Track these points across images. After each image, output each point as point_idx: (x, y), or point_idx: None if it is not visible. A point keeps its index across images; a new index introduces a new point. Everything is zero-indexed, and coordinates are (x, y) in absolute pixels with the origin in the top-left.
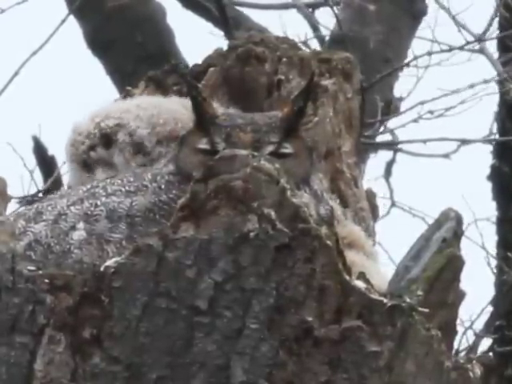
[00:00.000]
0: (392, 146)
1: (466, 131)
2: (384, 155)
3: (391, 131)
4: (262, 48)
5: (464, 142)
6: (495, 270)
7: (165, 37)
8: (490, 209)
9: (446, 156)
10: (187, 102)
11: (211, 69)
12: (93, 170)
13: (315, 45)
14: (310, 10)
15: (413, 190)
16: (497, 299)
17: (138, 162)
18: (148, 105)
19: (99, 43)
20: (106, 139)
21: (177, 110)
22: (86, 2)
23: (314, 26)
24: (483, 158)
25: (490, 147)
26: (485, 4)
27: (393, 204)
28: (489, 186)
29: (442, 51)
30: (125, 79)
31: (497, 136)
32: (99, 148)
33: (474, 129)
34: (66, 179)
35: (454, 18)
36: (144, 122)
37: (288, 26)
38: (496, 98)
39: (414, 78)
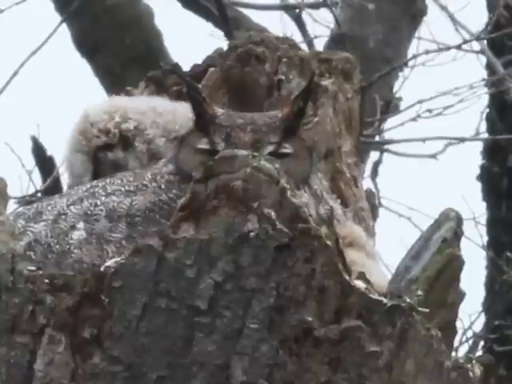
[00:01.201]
0: (379, 145)
1: (453, 130)
2: (371, 155)
3: (380, 133)
4: (262, 48)
5: (458, 140)
6: (487, 270)
7: (153, 38)
8: (480, 209)
9: (433, 156)
10: None
11: (211, 69)
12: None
13: (304, 48)
14: (297, 10)
15: (399, 190)
16: (488, 299)
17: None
18: (163, 110)
19: (87, 45)
20: (125, 142)
21: (188, 115)
22: (73, 4)
23: (303, 29)
24: (472, 158)
25: (480, 147)
26: (479, 4)
27: (379, 204)
28: (478, 186)
29: (440, 50)
30: (113, 81)
31: (485, 135)
32: (117, 150)
33: (461, 128)
34: (64, 179)
35: (451, 16)
36: (160, 129)
37: (285, 27)
38: (484, 98)
39: (414, 78)
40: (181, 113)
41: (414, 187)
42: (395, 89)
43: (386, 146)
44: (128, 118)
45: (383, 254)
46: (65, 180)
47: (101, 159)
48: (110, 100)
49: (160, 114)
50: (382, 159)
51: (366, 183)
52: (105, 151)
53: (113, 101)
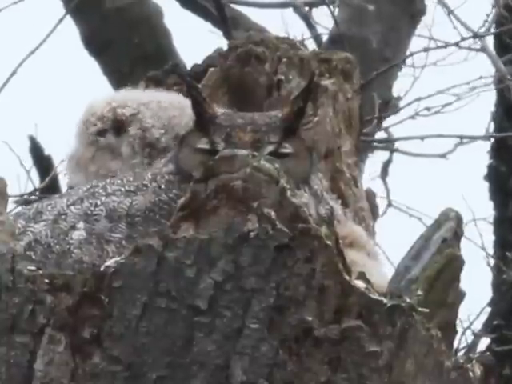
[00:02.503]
0: (388, 143)
1: (464, 130)
2: (381, 155)
3: (386, 129)
4: (261, 48)
5: (462, 138)
6: (494, 270)
7: (162, 37)
8: (487, 208)
9: (443, 156)
10: None
11: (211, 69)
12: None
13: (312, 45)
14: (307, 8)
15: (409, 190)
16: (495, 299)
17: (145, 153)
18: (169, 104)
19: (96, 44)
20: (118, 126)
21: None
22: (82, 2)
23: (311, 26)
24: (480, 157)
25: (488, 147)
26: (481, 1)
27: (389, 204)
28: (486, 185)
29: (438, 47)
30: (122, 80)
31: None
32: (109, 134)
33: (471, 128)
34: (62, 179)
35: (452, 13)
36: (161, 122)
37: (286, 25)
38: (493, 97)
39: (412, 78)
40: (189, 112)
41: (423, 186)
42: (405, 89)
43: (395, 147)
44: (126, 105)
45: (393, 254)
46: (63, 179)
47: (95, 145)
48: (116, 92)
49: (165, 108)
50: (392, 159)
51: (377, 183)
52: (98, 137)
53: (118, 93)
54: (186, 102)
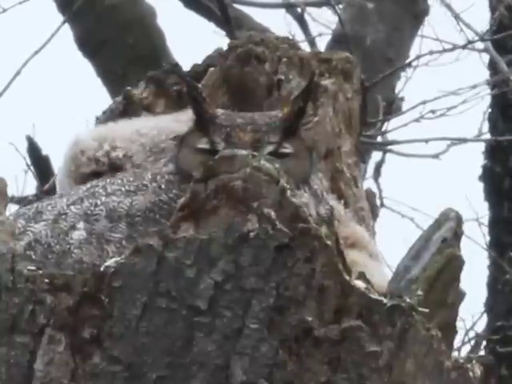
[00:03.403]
0: (381, 146)
1: (455, 130)
2: (373, 156)
3: (382, 133)
4: (262, 48)
5: (460, 140)
6: (489, 270)
7: (155, 38)
8: (482, 209)
9: (436, 156)
10: (179, 115)
11: (211, 69)
12: None
13: (306, 47)
14: (300, 9)
15: (402, 191)
16: (490, 299)
17: None
18: (147, 129)
19: (90, 45)
20: (114, 168)
21: (170, 126)
22: (75, 4)
23: (305, 28)
24: (474, 158)
25: (482, 148)
26: (481, 3)
27: (382, 204)
28: (480, 186)
29: (445, 50)
30: (116, 81)
31: (488, 136)
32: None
33: (462, 128)
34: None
35: (457, 16)
36: (147, 149)
37: (290, 25)
38: (487, 98)
39: (415, 78)
40: (164, 125)
41: (417, 187)
42: (398, 89)
43: (388, 147)
44: (116, 146)
45: (386, 254)
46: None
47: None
48: (98, 128)
49: (145, 134)
50: (385, 159)
51: (369, 184)
52: (93, 178)
53: (101, 128)
54: (157, 119)
